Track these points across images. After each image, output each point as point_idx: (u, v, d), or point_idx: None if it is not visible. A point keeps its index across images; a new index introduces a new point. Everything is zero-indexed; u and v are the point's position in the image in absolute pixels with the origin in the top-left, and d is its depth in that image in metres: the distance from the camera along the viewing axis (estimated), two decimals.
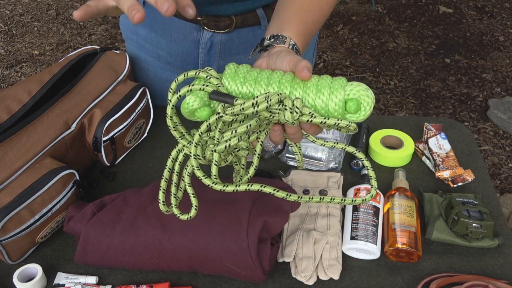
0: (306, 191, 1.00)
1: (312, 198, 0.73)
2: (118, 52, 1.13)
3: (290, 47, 0.77)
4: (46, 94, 0.98)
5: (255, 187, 0.69)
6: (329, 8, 0.87)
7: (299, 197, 0.71)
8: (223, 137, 0.67)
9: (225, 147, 0.67)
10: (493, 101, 2.67)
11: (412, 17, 3.41)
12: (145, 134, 1.14)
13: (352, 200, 0.74)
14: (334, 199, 0.74)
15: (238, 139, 0.67)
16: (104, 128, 0.98)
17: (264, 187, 0.70)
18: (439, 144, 1.10)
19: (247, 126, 0.66)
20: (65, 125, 0.95)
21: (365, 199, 0.73)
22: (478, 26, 3.31)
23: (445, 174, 1.04)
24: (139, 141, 1.13)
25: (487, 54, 3.06)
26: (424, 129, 1.14)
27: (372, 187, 0.73)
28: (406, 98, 2.74)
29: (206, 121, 0.67)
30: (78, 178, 0.91)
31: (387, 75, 2.91)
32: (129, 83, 1.07)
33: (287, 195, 0.70)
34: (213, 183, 0.69)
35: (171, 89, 0.68)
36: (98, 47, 1.12)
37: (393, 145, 1.12)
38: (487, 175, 1.06)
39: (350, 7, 3.52)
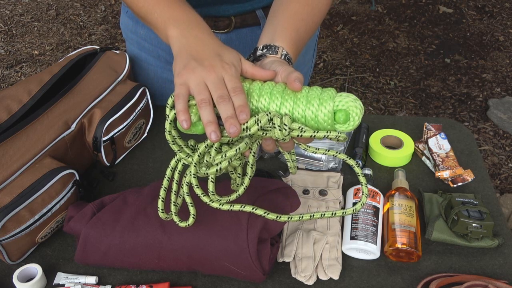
0: (305, 191, 1.00)
1: (302, 217, 0.77)
2: (118, 52, 1.13)
3: (282, 57, 0.77)
4: (46, 94, 0.98)
5: (247, 208, 0.75)
6: (321, 16, 0.88)
7: (289, 217, 0.77)
8: (214, 160, 0.70)
9: (216, 170, 0.70)
10: (493, 101, 2.67)
11: (412, 17, 3.41)
12: (145, 134, 1.14)
13: (343, 213, 0.78)
14: (324, 214, 0.78)
15: (228, 162, 0.70)
16: (104, 128, 0.98)
17: (256, 209, 0.75)
18: (439, 144, 1.10)
19: (236, 150, 0.69)
20: (65, 125, 0.95)
21: (356, 209, 0.75)
22: (478, 26, 3.31)
23: (445, 174, 1.04)
24: (139, 141, 1.13)
25: (487, 54, 3.05)
26: (424, 129, 1.13)
27: (363, 194, 0.75)
28: (406, 98, 2.74)
29: (204, 142, 0.70)
30: (78, 178, 0.91)
31: (387, 75, 2.91)
32: (129, 83, 1.07)
33: (277, 217, 0.76)
34: (210, 201, 0.73)
35: (168, 104, 0.71)
36: (98, 47, 1.12)
37: (393, 145, 1.12)
38: (487, 175, 1.06)
39: (350, 7, 3.52)
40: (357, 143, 1.11)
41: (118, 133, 1.02)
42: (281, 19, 0.83)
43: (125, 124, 1.03)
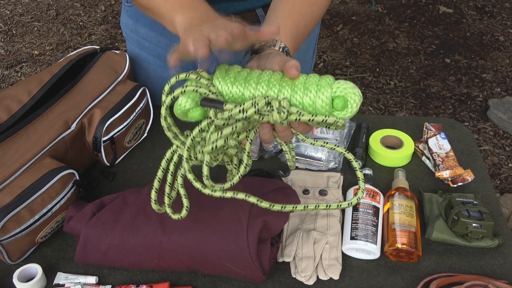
0: (305, 191, 1.00)
1: (296, 207, 0.75)
2: (118, 52, 1.13)
3: (281, 50, 0.77)
4: (46, 94, 0.98)
5: (240, 196, 0.72)
6: (321, 13, 0.88)
7: (282, 206, 0.74)
8: (210, 138, 0.68)
9: (212, 148, 0.69)
10: (493, 101, 2.67)
11: (412, 17, 3.41)
12: (145, 134, 1.14)
13: (338, 205, 0.76)
14: (318, 206, 0.76)
15: (224, 140, 0.69)
16: (104, 128, 0.98)
17: (249, 196, 0.72)
18: (439, 144, 1.10)
19: (232, 128, 0.68)
20: (65, 125, 0.95)
21: (351, 203, 0.74)
22: (478, 26, 3.31)
23: (445, 174, 1.04)
24: (139, 141, 1.13)
25: (487, 54, 3.05)
26: (424, 129, 1.13)
27: (359, 189, 0.74)
28: (406, 98, 2.74)
29: (198, 126, 0.69)
30: (78, 178, 0.91)
31: (387, 75, 2.91)
32: (129, 83, 1.07)
33: (270, 205, 0.73)
34: (202, 186, 0.71)
35: (165, 90, 0.70)
36: (98, 47, 1.12)
37: (393, 145, 1.12)
38: (487, 175, 1.06)
39: (350, 7, 3.52)
40: (357, 143, 1.11)
41: (118, 133, 1.02)
42: (280, 14, 0.83)
43: (125, 124, 1.03)
